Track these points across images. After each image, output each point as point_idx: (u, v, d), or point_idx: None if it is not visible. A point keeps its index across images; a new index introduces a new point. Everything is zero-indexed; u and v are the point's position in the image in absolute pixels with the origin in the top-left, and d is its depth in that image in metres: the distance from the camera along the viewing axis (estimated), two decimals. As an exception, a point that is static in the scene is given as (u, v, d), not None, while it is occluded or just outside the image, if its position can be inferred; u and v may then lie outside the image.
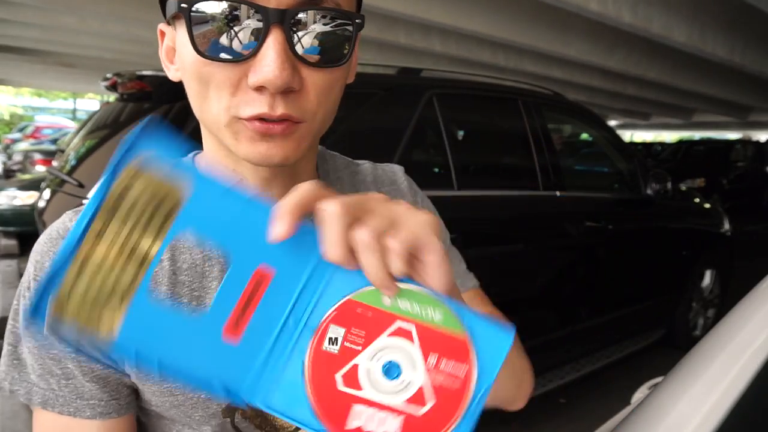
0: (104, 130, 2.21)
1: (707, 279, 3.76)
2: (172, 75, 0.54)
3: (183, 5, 0.43)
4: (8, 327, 0.53)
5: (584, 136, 4.63)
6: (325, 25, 0.46)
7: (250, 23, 0.43)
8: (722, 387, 0.75)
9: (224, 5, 0.43)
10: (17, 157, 9.12)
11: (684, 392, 0.77)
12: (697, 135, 23.55)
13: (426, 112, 2.21)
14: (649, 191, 3.15)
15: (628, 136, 26.54)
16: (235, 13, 0.43)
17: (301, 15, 0.44)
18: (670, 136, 27.99)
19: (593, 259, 2.80)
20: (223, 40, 0.44)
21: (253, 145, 0.47)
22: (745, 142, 12.69)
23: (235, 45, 0.44)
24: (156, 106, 1.91)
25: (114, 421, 0.53)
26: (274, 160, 0.48)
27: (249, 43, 0.44)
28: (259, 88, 0.45)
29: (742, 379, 0.75)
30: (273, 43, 0.43)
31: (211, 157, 0.56)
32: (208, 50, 0.44)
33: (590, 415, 2.81)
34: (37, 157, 8.27)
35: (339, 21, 0.46)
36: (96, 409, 0.52)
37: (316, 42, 0.46)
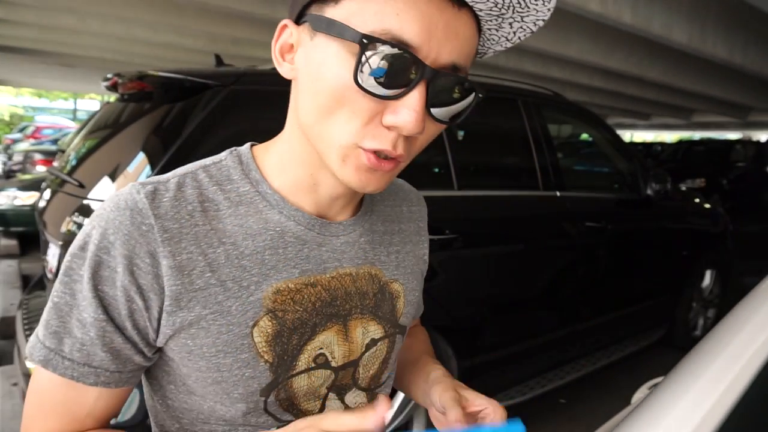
0: (105, 131, 2.21)
1: (707, 279, 3.76)
2: (285, 71, 0.57)
3: (364, 41, 0.47)
4: (56, 287, 0.55)
5: (584, 136, 4.63)
6: (455, 90, 0.53)
7: (406, 72, 0.49)
8: (722, 387, 0.75)
9: (394, 51, 0.48)
10: (18, 158, 9.12)
11: (684, 392, 0.77)
12: (697, 135, 23.53)
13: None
14: (649, 191, 3.15)
15: (628, 136, 26.54)
16: (399, 61, 0.48)
17: (444, 78, 0.50)
18: (670, 136, 27.98)
19: (593, 259, 2.80)
20: (378, 74, 0.48)
21: (357, 173, 0.53)
22: (745, 142, 12.67)
23: (386, 82, 0.49)
24: (156, 107, 1.92)
25: (110, 391, 0.56)
26: (368, 189, 0.54)
27: (396, 86, 0.49)
28: (391, 127, 0.50)
29: (742, 379, 0.75)
30: (418, 95, 0.49)
31: (290, 155, 0.59)
32: (363, 80, 0.48)
33: (590, 415, 2.81)
34: (38, 157, 8.28)
35: (467, 89, 0.53)
36: (99, 377, 0.54)
37: (446, 102, 0.52)
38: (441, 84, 0.51)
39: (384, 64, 0.48)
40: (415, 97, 0.49)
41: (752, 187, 10.86)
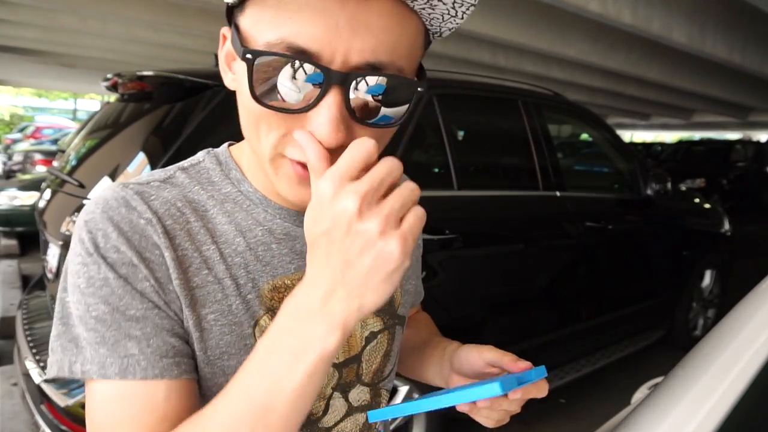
0: (105, 131, 2.21)
1: (707, 279, 3.76)
2: (228, 82, 0.54)
3: (248, 56, 0.44)
4: (58, 307, 0.51)
5: (584, 136, 4.63)
6: (383, 89, 0.46)
7: (310, 81, 0.44)
8: (722, 387, 0.75)
9: (287, 62, 0.44)
10: (18, 158, 9.11)
11: (684, 392, 0.77)
12: (697, 135, 23.53)
13: (426, 112, 2.21)
14: (649, 191, 3.15)
15: (628, 136, 26.53)
16: (296, 70, 0.44)
17: (360, 79, 0.45)
18: (670, 137, 27.98)
19: (593, 259, 2.80)
20: (282, 89, 0.45)
21: (291, 187, 0.50)
22: (745, 143, 12.69)
23: (293, 96, 0.45)
24: (156, 107, 1.92)
25: (193, 382, 0.52)
26: (306, 205, 0.49)
27: (307, 96, 0.45)
28: None
29: (742, 379, 0.75)
30: (330, 103, 0.44)
31: (255, 162, 0.57)
32: (266, 96, 0.45)
33: (590, 415, 2.81)
34: (38, 157, 8.28)
35: (402, 85, 0.47)
36: (181, 366, 0.50)
37: (373, 103, 0.47)
38: (362, 85, 0.45)
39: (281, 77, 0.44)
40: (327, 106, 0.44)
41: (752, 187, 10.87)
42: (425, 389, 2.09)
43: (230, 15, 0.51)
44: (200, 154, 0.60)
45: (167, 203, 0.53)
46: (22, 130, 16.11)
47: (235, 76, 0.52)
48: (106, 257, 0.49)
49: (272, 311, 0.55)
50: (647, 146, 15.95)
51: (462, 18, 0.48)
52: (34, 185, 5.65)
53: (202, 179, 0.57)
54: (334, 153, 0.45)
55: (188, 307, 0.51)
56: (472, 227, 2.25)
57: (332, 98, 0.45)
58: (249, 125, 0.50)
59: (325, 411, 0.62)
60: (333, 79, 0.44)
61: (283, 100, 0.45)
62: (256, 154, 0.52)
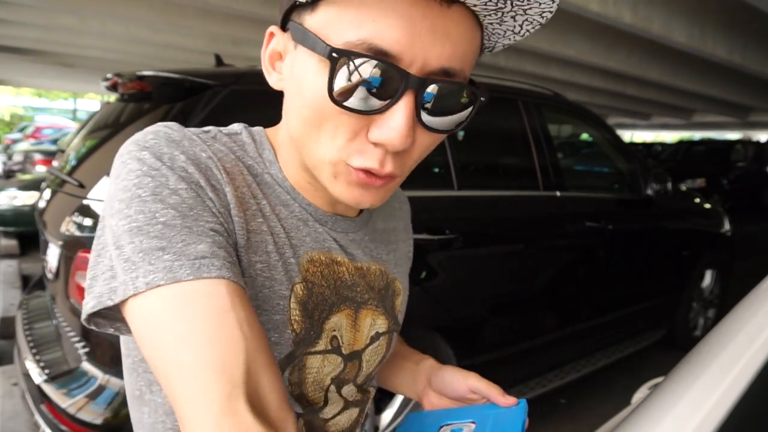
0: (105, 131, 2.21)
1: (707, 279, 3.76)
2: (273, 82, 0.54)
3: (334, 55, 0.44)
4: (98, 239, 0.49)
5: (584, 136, 4.63)
6: (453, 96, 0.48)
7: (388, 84, 0.45)
8: (722, 387, 0.75)
9: (371, 62, 0.44)
10: (17, 158, 9.11)
11: (684, 392, 0.77)
12: (697, 135, 23.54)
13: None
14: (649, 191, 3.15)
15: (628, 136, 26.53)
16: (376, 72, 0.44)
17: (433, 86, 0.46)
18: (670, 136, 27.98)
19: (593, 259, 2.80)
20: (360, 91, 0.45)
21: (349, 189, 0.50)
22: (745, 143, 12.68)
23: (368, 99, 0.45)
24: (156, 107, 1.92)
25: (238, 286, 0.46)
26: (363, 205, 0.52)
27: (380, 100, 0.45)
28: (378, 144, 0.47)
29: (742, 379, 0.75)
30: (404, 107, 0.45)
31: (288, 158, 0.57)
32: (342, 96, 0.45)
33: (590, 415, 2.81)
34: (38, 157, 8.28)
35: (466, 94, 0.49)
36: (222, 270, 0.45)
37: (440, 111, 0.48)
38: (432, 92, 0.46)
39: (360, 78, 0.44)
40: (400, 111, 0.45)
41: (752, 187, 10.87)
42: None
43: (288, 15, 0.51)
44: (236, 126, 0.59)
45: (221, 151, 0.53)
46: (22, 130, 16.10)
47: (282, 76, 0.53)
48: (176, 170, 0.47)
49: (306, 281, 0.55)
50: (647, 146, 15.94)
51: (522, 36, 0.49)
52: (34, 185, 5.65)
53: (238, 149, 0.56)
54: (395, 156, 0.48)
55: (242, 247, 0.50)
56: (472, 227, 2.25)
57: (407, 102, 0.45)
58: (310, 126, 0.49)
59: (325, 403, 0.62)
60: (410, 83, 0.45)
61: (357, 102, 0.45)
62: (306, 159, 0.52)
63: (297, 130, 0.51)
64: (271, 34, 0.54)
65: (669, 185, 3.17)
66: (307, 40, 0.47)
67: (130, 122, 2.05)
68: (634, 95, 11.50)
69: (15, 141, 13.43)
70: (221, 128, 0.58)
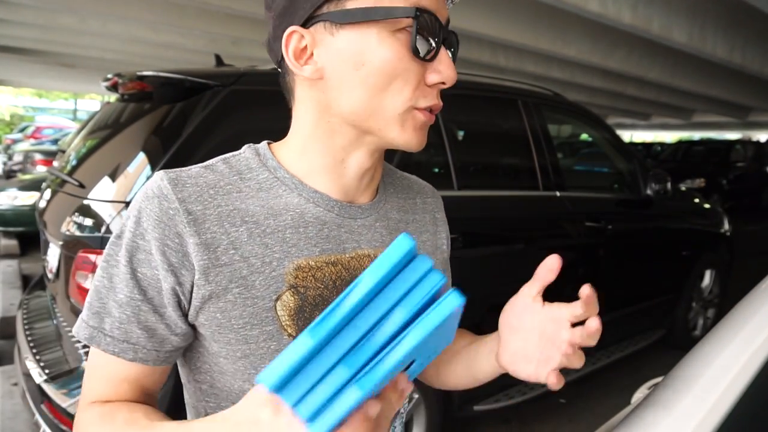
0: (105, 131, 2.21)
1: (707, 279, 3.75)
2: (308, 73, 0.60)
3: (418, 14, 0.56)
4: (97, 272, 0.61)
5: (584, 136, 4.64)
6: (454, 39, 0.63)
7: (436, 32, 0.58)
8: (722, 387, 0.75)
9: (430, 18, 0.57)
10: (18, 158, 9.11)
11: (684, 392, 0.77)
12: (696, 135, 23.53)
13: (426, 112, 2.20)
14: (648, 191, 3.15)
15: (628, 136, 26.53)
16: (432, 22, 0.57)
17: (450, 32, 0.62)
18: (670, 137, 27.98)
19: (593, 259, 2.80)
20: (423, 41, 0.58)
21: (416, 133, 0.61)
22: (745, 143, 12.69)
23: (427, 47, 0.58)
24: (156, 107, 1.91)
25: (149, 368, 0.61)
26: (422, 145, 0.62)
27: (430, 49, 0.58)
28: (435, 85, 0.60)
29: (742, 379, 0.75)
30: (446, 50, 0.60)
31: (312, 144, 0.64)
32: (416, 49, 0.57)
33: (590, 415, 2.81)
34: (38, 157, 8.27)
35: (456, 38, 0.64)
36: (138, 353, 0.59)
37: (453, 50, 0.64)
38: (449, 37, 0.61)
39: (426, 32, 0.57)
40: (445, 53, 0.59)
41: (752, 187, 10.87)
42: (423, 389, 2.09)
43: (317, 9, 0.58)
44: (243, 148, 0.67)
45: (200, 189, 0.60)
46: (22, 130, 16.11)
47: (319, 65, 0.59)
48: (129, 242, 0.58)
49: (294, 288, 0.61)
50: (647, 146, 15.95)
51: None
52: (35, 185, 5.65)
53: (242, 167, 0.64)
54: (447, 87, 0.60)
55: (212, 282, 0.58)
56: (471, 227, 2.25)
57: (446, 46, 0.60)
58: (379, 90, 0.58)
59: None
60: (444, 32, 0.59)
61: (424, 52, 0.58)
62: (371, 122, 0.60)
63: (359, 101, 0.59)
64: (292, 33, 0.59)
65: (668, 185, 3.17)
66: (374, 13, 0.56)
67: (130, 122, 2.05)
68: (633, 95, 11.50)
69: (15, 141, 13.43)
70: (225, 155, 0.66)
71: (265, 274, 0.59)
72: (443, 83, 0.60)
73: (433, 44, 0.58)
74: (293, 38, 0.59)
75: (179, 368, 0.69)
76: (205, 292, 0.58)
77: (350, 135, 0.62)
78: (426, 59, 0.58)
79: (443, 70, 0.59)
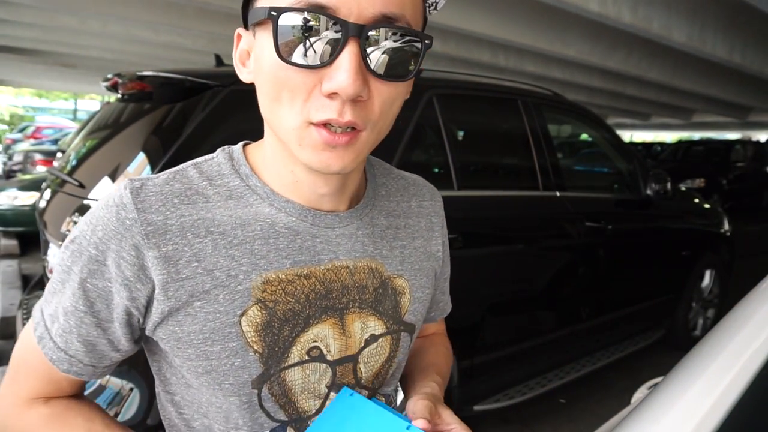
0: (105, 131, 2.21)
1: (707, 279, 3.75)
2: (245, 77, 0.59)
3: (273, 13, 0.48)
4: (53, 275, 0.59)
5: (584, 136, 4.64)
6: (395, 42, 0.50)
7: (329, 35, 0.48)
8: (722, 387, 0.75)
9: (308, 15, 0.47)
10: (18, 158, 9.11)
11: (684, 392, 0.77)
12: (696, 135, 23.54)
13: (426, 112, 2.20)
14: (648, 191, 3.15)
15: (628, 136, 26.53)
16: (316, 24, 0.48)
17: (374, 31, 0.49)
18: (669, 137, 27.98)
19: (593, 259, 2.80)
20: (303, 48, 0.48)
21: (315, 153, 0.52)
22: (745, 143, 12.69)
23: (313, 54, 0.48)
24: (156, 107, 1.92)
25: (82, 382, 0.61)
26: (332, 169, 0.53)
27: (326, 53, 0.48)
28: (332, 95, 0.49)
29: (742, 379, 0.75)
30: (348, 54, 0.48)
31: (271, 154, 0.60)
32: (290, 56, 0.48)
33: (590, 415, 2.81)
34: (38, 157, 8.27)
35: (409, 39, 0.51)
36: (72, 366, 0.58)
37: (387, 57, 0.50)
38: (375, 38, 0.49)
39: (302, 33, 0.47)
40: (346, 58, 0.48)
41: (752, 187, 10.88)
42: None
43: (245, 14, 0.55)
44: (216, 151, 0.63)
45: (164, 198, 0.56)
46: (22, 130, 16.10)
47: (250, 69, 0.57)
48: (83, 251, 0.55)
49: (262, 302, 0.57)
50: (647, 146, 15.95)
51: None
52: (35, 185, 5.65)
53: (213, 173, 0.60)
54: (354, 106, 0.50)
55: (172, 297, 0.55)
56: (471, 227, 2.25)
57: (350, 50, 0.48)
58: (271, 100, 0.52)
59: (320, 410, 0.62)
60: (351, 31, 0.47)
61: (305, 58, 0.48)
62: (278, 134, 0.54)
63: (265, 110, 0.55)
64: (239, 36, 0.58)
65: (668, 185, 3.17)
66: (255, 15, 0.51)
67: (130, 122, 2.05)
68: (633, 95, 11.49)
69: (15, 141, 13.42)
70: (197, 159, 0.62)
71: (230, 288, 0.56)
72: (336, 93, 0.49)
73: (319, 47, 0.48)
74: (241, 41, 0.58)
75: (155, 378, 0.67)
76: (165, 308, 0.55)
77: (284, 146, 0.56)
78: (308, 66, 0.48)
79: (335, 77, 0.48)
